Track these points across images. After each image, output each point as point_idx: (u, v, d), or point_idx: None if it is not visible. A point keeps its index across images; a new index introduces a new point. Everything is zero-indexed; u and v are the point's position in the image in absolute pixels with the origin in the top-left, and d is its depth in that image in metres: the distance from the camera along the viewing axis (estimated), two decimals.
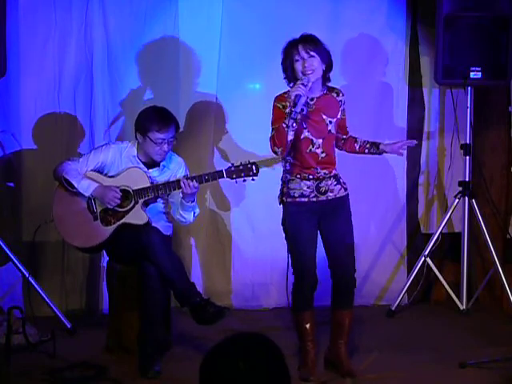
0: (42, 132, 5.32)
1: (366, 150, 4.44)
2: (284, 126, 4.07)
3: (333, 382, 4.30)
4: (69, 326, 5.00)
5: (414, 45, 5.65)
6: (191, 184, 4.40)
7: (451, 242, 5.73)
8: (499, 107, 5.63)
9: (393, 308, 5.45)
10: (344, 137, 4.46)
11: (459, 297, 5.47)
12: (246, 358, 2.00)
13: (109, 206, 4.50)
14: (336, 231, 4.29)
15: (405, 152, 4.65)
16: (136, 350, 4.41)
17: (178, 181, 4.45)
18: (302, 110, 4.18)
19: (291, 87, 4.20)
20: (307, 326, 4.32)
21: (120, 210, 4.52)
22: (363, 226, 5.49)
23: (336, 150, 4.40)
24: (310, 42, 4.19)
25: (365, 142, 4.45)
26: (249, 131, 5.38)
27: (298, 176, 4.25)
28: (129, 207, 4.52)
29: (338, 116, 4.32)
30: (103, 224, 4.55)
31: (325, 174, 4.27)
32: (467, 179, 5.40)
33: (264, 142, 4.22)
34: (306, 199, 4.25)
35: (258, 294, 5.60)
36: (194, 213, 4.63)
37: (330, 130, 4.28)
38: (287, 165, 4.27)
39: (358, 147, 4.45)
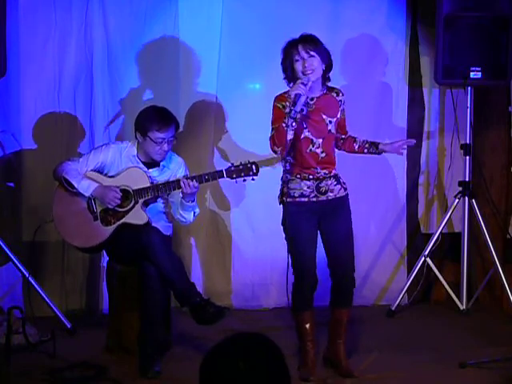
0: (42, 132, 5.32)
1: (365, 150, 4.44)
2: (284, 125, 4.07)
3: (333, 382, 4.30)
4: (69, 326, 5.01)
5: (414, 45, 5.65)
6: (191, 184, 4.40)
7: (451, 242, 5.73)
8: (499, 107, 5.63)
9: (393, 308, 5.45)
10: (343, 137, 4.46)
11: (459, 297, 5.47)
12: (246, 358, 2.00)
13: (109, 206, 4.50)
14: (336, 231, 4.30)
15: (405, 152, 4.65)
16: (136, 350, 4.41)
17: (178, 180, 4.45)
18: (302, 109, 4.18)
19: (291, 87, 4.20)
20: (307, 326, 4.32)
21: (120, 209, 4.52)
22: (363, 226, 5.50)
23: (335, 150, 4.40)
24: (309, 41, 4.19)
25: (364, 141, 4.45)
26: (249, 131, 5.38)
27: (298, 176, 4.25)
28: (129, 207, 4.52)
29: (338, 116, 4.32)
30: (103, 224, 4.55)
31: (325, 173, 4.27)
32: (467, 179, 5.40)
33: (264, 141, 4.22)
34: (306, 199, 4.25)
35: (258, 294, 5.60)
36: (194, 213, 4.64)
37: (329, 130, 4.28)
38: (287, 165, 4.27)
39: (357, 147, 4.45)
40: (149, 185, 4.50)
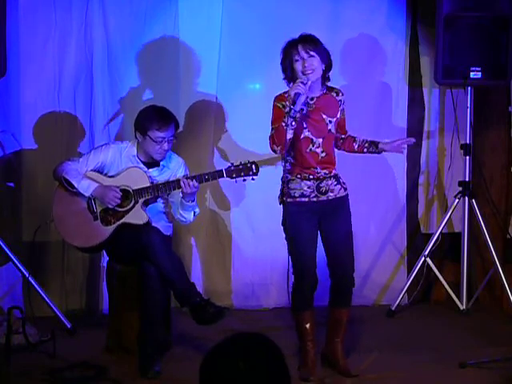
0: (42, 132, 5.32)
1: (365, 150, 4.44)
2: (283, 124, 4.08)
3: (331, 381, 4.30)
4: (69, 326, 5.01)
5: (414, 45, 5.65)
6: (191, 183, 4.40)
7: (451, 242, 5.73)
8: (499, 107, 5.63)
9: (393, 308, 5.45)
10: (343, 136, 4.46)
11: (459, 297, 5.47)
12: (246, 358, 2.00)
13: (109, 206, 4.50)
14: (336, 231, 4.30)
15: (405, 152, 4.65)
16: (136, 350, 4.41)
17: (178, 180, 4.45)
18: (302, 109, 4.18)
19: (291, 87, 4.20)
20: (307, 325, 4.32)
21: (120, 209, 4.52)
22: (363, 226, 5.50)
23: (335, 149, 4.40)
24: (309, 41, 4.19)
25: (364, 141, 4.45)
26: (249, 131, 5.38)
27: (299, 176, 4.25)
28: (129, 207, 4.52)
29: (338, 116, 4.32)
30: (103, 224, 4.55)
31: (325, 173, 4.27)
32: (467, 179, 5.40)
33: (264, 141, 4.22)
34: (307, 199, 4.26)
35: (258, 294, 5.60)
36: (194, 212, 4.64)
37: (329, 130, 4.28)
38: (287, 165, 4.27)
39: (356, 146, 4.45)
40: (149, 185, 4.50)
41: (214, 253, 5.60)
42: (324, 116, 4.26)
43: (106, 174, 4.59)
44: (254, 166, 4.42)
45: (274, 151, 4.18)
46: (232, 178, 4.43)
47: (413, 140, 4.53)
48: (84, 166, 4.58)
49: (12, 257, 5.03)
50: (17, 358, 4.22)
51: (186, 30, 5.39)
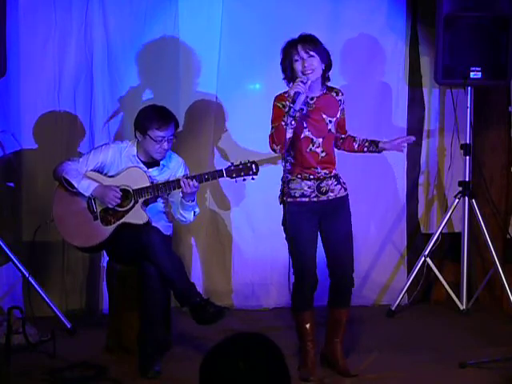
0: (42, 132, 5.32)
1: (365, 149, 4.45)
2: (283, 124, 4.08)
3: (331, 381, 4.30)
4: (69, 326, 5.00)
5: (414, 45, 5.65)
6: (191, 183, 4.40)
7: (451, 242, 5.73)
8: (499, 107, 5.63)
9: (393, 308, 5.45)
10: (343, 136, 4.46)
11: (459, 297, 5.47)
12: (246, 358, 2.00)
13: (109, 206, 4.50)
14: (336, 231, 4.30)
15: (405, 151, 4.65)
16: (136, 350, 4.41)
17: (178, 180, 4.45)
18: (302, 109, 4.18)
19: (290, 87, 4.20)
20: (307, 326, 4.32)
21: (120, 209, 4.52)
22: (363, 226, 5.50)
23: (336, 150, 4.40)
24: (309, 41, 4.19)
25: (364, 140, 4.45)
26: (249, 131, 5.38)
27: (299, 176, 4.26)
28: (129, 207, 4.52)
29: (338, 115, 4.32)
30: (103, 224, 4.55)
31: (325, 173, 4.27)
32: (467, 179, 5.40)
33: (264, 141, 4.22)
34: (307, 199, 4.26)
35: (258, 294, 5.60)
36: (195, 212, 4.64)
37: (329, 130, 4.28)
38: (287, 164, 4.27)
39: (356, 146, 4.46)
40: (149, 184, 4.50)
41: (214, 253, 5.60)
42: (324, 116, 4.26)
43: (105, 174, 4.59)
44: (253, 166, 4.42)
45: (274, 150, 4.19)
46: (232, 177, 4.43)
47: (413, 138, 4.52)
48: (84, 165, 4.58)
49: (12, 257, 5.03)
50: (17, 358, 4.22)
51: (185, 30, 5.39)
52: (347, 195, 4.36)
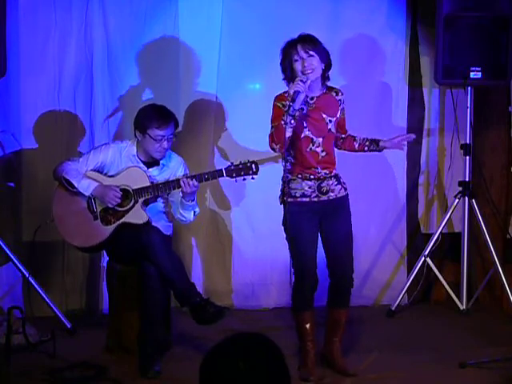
0: (42, 132, 5.32)
1: (366, 148, 4.45)
2: (283, 123, 4.08)
3: (331, 381, 4.30)
4: (69, 326, 5.00)
5: (414, 45, 5.65)
6: (191, 183, 4.40)
7: (451, 242, 5.73)
8: (499, 107, 5.63)
9: (393, 308, 5.45)
10: (343, 136, 4.47)
11: (459, 297, 5.47)
12: (246, 358, 2.00)
13: (109, 205, 4.50)
14: (337, 231, 4.30)
15: (405, 151, 4.65)
16: (136, 350, 4.41)
17: (178, 180, 4.45)
18: (302, 108, 4.19)
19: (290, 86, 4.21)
20: (307, 326, 4.32)
21: (120, 209, 4.52)
22: (363, 226, 5.49)
23: (336, 150, 4.41)
24: (308, 41, 4.20)
25: (364, 139, 4.45)
26: (249, 131, 5.38)
27: (300, 176, 4.26)
28: (129, 206, 4.52)
29: (338, 115, 4.32)
30: (103, 223, 4.55)
31: (325, 174, 4.27)
32: (467, 179, 5.40)
33: (264, 141, 4.22)
34: (308, 199, 4.26)
35: (258, 294, 5.60)
36: (195, 212, 4.64)
37: (329, 129, 4.29)
38: (288, 164, 4.28)
39: (357, 145, 4.46)
40: (148, 184, 4.50)
41: (214, 252, 5.60)
42: (324, 115, 4.26)
43: (105, 174, 4.59)
44: (253, 166, 4.42)
45: (273, 149, 4.19)
46: (232, 177, 4.43)
47: (413, 136, 4.52)
48: (84, 165, 4.58)
49: (12, 257, 5.03)
50: (17, 358, 4.22)
51: (185, 30, 5.39)
52: (347, 195, 4.36)
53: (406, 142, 4.50)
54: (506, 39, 5.16)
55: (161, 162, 4.60)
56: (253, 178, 4.43)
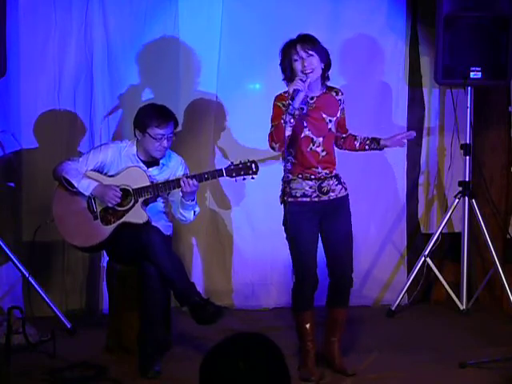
0: (42, 132, 5.32)
1: (367, 147, 4.45)
2: (282, 122, 4.08)
3: (330, 381, 4.30)
4: (69, 326, 5.00)
5: (414, 45, 5.65)
6: (191, 182, 4.40)
7: (451, 242, 5.73)
8: (499, 107, 5.63)
9: (393, 308, 5.45)
10: (343, 135, 4.47)
11: (459, 297, 5.47)
12: (246, 358, 2.00)
13: (109, 205, 4.50)
14: (337, 231, 4.30)
15: (405, 151, 4.64)
16: (136, 350, 4.41)
17: (178, 179, 4.45)
18: (302, 108, 4.19)
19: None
20: (307, 326, 4.32)
21: (120, 209, 4.52)
22: (363, 225, 5.50)
23: (336, 149, 4.41)
24: (308, 41, 4.20)
25: (365, 138, 4.46)
26: (249, 131, 5.38)
27: (300, 176, 4.26)
28: (128, 206, 4.52)
29: (338, 115, 4.33)
30: (103, 223, 4.55)
31: (326, 173, 4.27)
32: (467, 179, 5.40)
33: (264, 140, 4.22)
34: (308, 199, 4.26)
35: (258, 294, 5.60)
36: (195, 212, 4.64)
37: (330, 129, 4.29)
38: (288, 164, 4.28)
39: (357, 145, 4.46)
40: (148, 184, 4.50)
41: (214, 252, 5.60)
42: (324, 115, 4.26)
43: (105, 174, 4.59)
44: (253, 165, 4.42)
45: (273, 148, 4.19)
46: (232, 177, 4.43)
47: (413, 134, 4.52)
48: (84, 165, 4.58)
49: (12, 257, 5.03)
50: (17, 358, 4.22)
51: (185, 30, 5.39)
52: (347, 195, 4.36)
53: (406, 140, 4.50)
54: (506, 39, 5.16)
55: (161, 161, 4.60)
56: (253, 178, 4.43)
